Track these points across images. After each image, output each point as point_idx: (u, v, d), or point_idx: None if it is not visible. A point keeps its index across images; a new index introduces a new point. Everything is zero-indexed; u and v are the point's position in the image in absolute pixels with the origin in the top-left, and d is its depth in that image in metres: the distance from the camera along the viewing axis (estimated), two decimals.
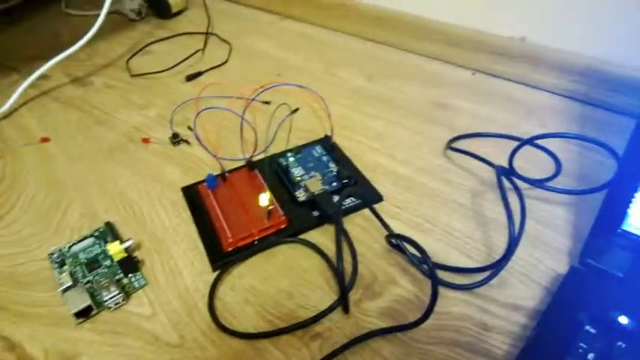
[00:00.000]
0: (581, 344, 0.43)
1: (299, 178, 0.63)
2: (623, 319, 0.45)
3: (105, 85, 0.88)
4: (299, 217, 0.59)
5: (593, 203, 0.54)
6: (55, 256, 0.56)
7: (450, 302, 0.51)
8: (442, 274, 0.53)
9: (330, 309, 0.50)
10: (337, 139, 0.71)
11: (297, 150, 0.68)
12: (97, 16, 0.87)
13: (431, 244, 0.57)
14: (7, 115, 0.80)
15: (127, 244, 0.55)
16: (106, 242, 0.57)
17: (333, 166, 0.65)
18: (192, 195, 0.63)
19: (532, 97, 0.81)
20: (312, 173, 0.64)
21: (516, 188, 0.59)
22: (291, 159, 0.67)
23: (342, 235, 0.47)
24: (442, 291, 0.51)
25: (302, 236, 0.58)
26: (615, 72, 0.74)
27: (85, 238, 0.58)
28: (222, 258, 0.55)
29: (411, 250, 0.54)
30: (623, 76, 0.73)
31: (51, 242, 0.59)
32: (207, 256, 0.55)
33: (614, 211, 0.50)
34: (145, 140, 0.73)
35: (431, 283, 0.45)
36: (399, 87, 0.85)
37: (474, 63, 0.88)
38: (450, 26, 0.89)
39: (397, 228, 0.58)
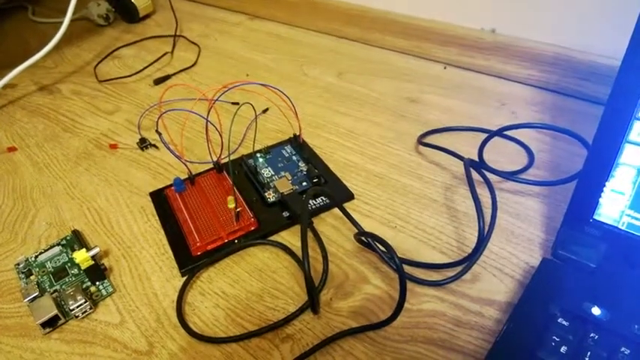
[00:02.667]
0: (554, 337, 0.43)
1: (268, 179, 0.62)
2: (595, 310, 0.44)
3: (72, 91, 0.86)
4: (269, 219, 0.59)
5: (565, 194, 0.54)
6: (21, 266, 0.55)
7: (423, 299, 0.50)
8: (414, 271, 0.52)
9: (300, 310, 0.49)
10: (308, 138, 0.70)
11: (266, 150, 0.67)
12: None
13: (404, 241, 0.56)
14: None
15: (93, 251, 0.54)
16: (73, 250, 0.56)
17: (303, 166, 0.65)
18: (160, 200, 0.62)
19: (504, 89, 0.80)
20: (282, 173, 0.63)
21: (487, 181, 0.58)
22: (261, 159, 0.66)
23: (307, 234, 0.46)
24: (414, 288, 0.51)
25: (273, 238, 0.57)
26: (584, 60, 0.74)
27: (52, 246, 0.57)
28: (191, 262, 0.54)
29: (381, 247, 0.53)
30: (591, 64, 0.73)
31: (18, 252, 0.58)
32: (176, 261, 0.54)
33: (585, 201, 0.50)
34: (113, 146, 0.72)
35: (398, 279, 0.44)
36: (369, 83, 0.84)
37: (445, 56, 0.88)
38: (420, 20, 0.88)
39: (369, 226, 0.58)
